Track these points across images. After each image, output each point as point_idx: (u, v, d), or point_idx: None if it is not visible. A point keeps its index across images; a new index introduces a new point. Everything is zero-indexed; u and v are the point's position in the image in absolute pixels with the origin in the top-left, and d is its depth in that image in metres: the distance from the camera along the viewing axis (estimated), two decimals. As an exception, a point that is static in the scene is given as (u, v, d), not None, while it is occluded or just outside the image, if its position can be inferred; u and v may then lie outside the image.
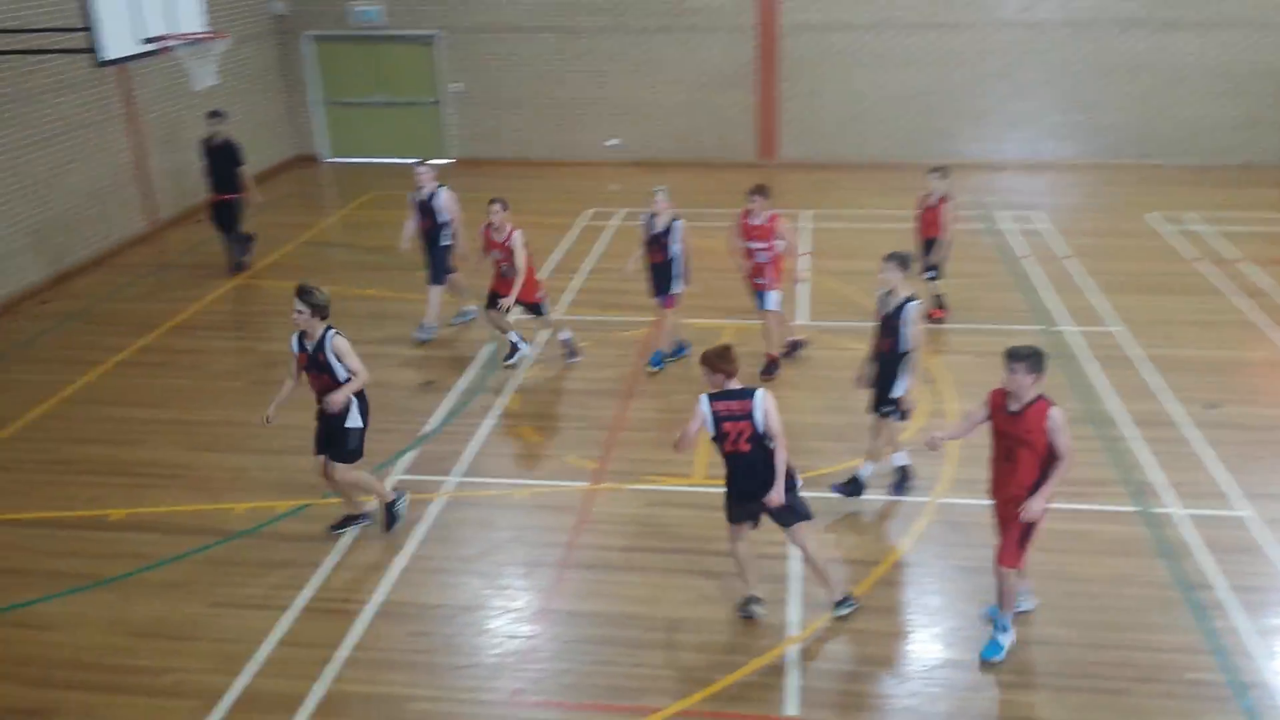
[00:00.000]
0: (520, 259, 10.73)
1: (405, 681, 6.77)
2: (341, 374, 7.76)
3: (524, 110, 20.05)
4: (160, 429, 10.19)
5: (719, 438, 6.84)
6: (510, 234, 10.80)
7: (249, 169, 14.09)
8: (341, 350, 7.75)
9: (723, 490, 7.14)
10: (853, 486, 8.76)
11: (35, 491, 9.09)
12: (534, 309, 11.25)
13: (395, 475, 9.20)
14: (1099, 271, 13.61)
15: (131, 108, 15.69)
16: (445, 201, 11.74)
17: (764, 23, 18.99)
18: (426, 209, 11.70)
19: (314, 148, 20.87)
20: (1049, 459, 6.47)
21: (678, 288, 10.95)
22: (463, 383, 10.95)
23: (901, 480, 8.83)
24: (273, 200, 18.09)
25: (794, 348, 11.40)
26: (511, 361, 11.20)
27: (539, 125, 20.11)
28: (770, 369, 10.91)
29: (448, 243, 11.85)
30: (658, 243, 10.83)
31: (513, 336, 11.27)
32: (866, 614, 7.33)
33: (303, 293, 7.69)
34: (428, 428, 10.06)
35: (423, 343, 11.87)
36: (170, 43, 11.64)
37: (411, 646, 7.10)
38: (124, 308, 13.25)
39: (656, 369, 11.11)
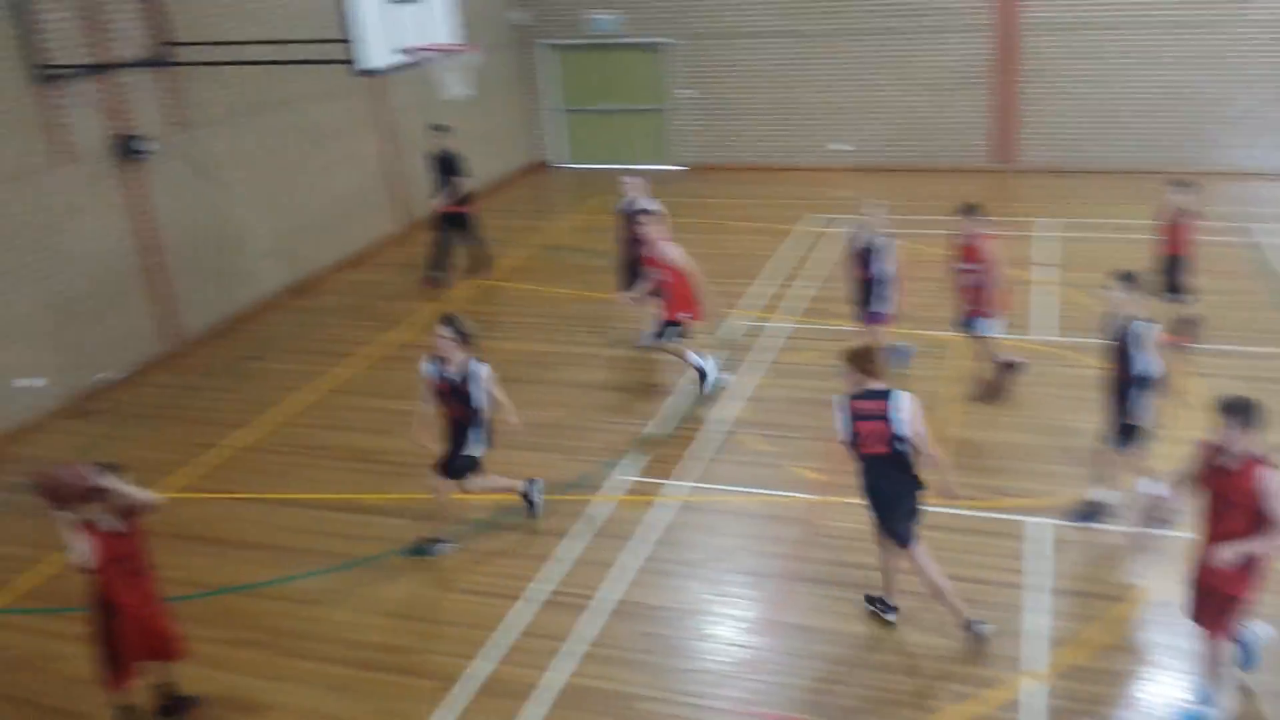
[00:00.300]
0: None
1: (634, 680, 6.94)
2: (479, 402, 7.96)
3: (751, 115, 20.12)
4: (406, 421, 10.72)
5: (853, 439, 6.72)
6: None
7: (467, 181, 14.39)
8: (488, 378, 7.97)
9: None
10: (1088, 513, 8.38)
11: (296, 474, 9.80)
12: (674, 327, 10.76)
13: (623, 477, 9.42)
14: (1376, 291, 12.49)
15: (383, 116, 16.66)
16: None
17: (1003, 20, 18.34)
18: (631, 220, 11.81)
19: (546, 154, 21.59)
20: (1264, 523, 5.77)
21: (881, 308, 10.63)
22: (694, 388, 11.09)
23: (1153, 511, 8.37)
24: (508, 205, 18.89)
25: (1007, 369, 10.77)
26: (708, 390, 10.87)
27: (765, 130, 20.13)
28: (995, 389, 10.52)
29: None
30: (863, 259, 10.58)
31: (692, 359, 10.87)
32: (1112, 653, 6.99)
33: (449, 321, 7.90)
34: (656, 431, 10.25)
35: (644, 348, 12.10)
36: (424, 54, 12.23)
37: (641, 646, 7.26)
38: (377, 304, 14.10)
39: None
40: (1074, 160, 18.75)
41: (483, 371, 7.97)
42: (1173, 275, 11.35)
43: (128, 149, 11.97)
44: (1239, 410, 5.85)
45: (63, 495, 5.94)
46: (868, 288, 10.59)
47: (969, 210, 10.33)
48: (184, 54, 12.64)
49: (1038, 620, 7.30)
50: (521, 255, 15.92)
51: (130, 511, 6.23)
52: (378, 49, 11.78)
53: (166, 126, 12.61)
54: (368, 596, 7.94)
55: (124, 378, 12.02)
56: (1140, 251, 11.99)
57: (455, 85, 13.06)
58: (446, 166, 14.23)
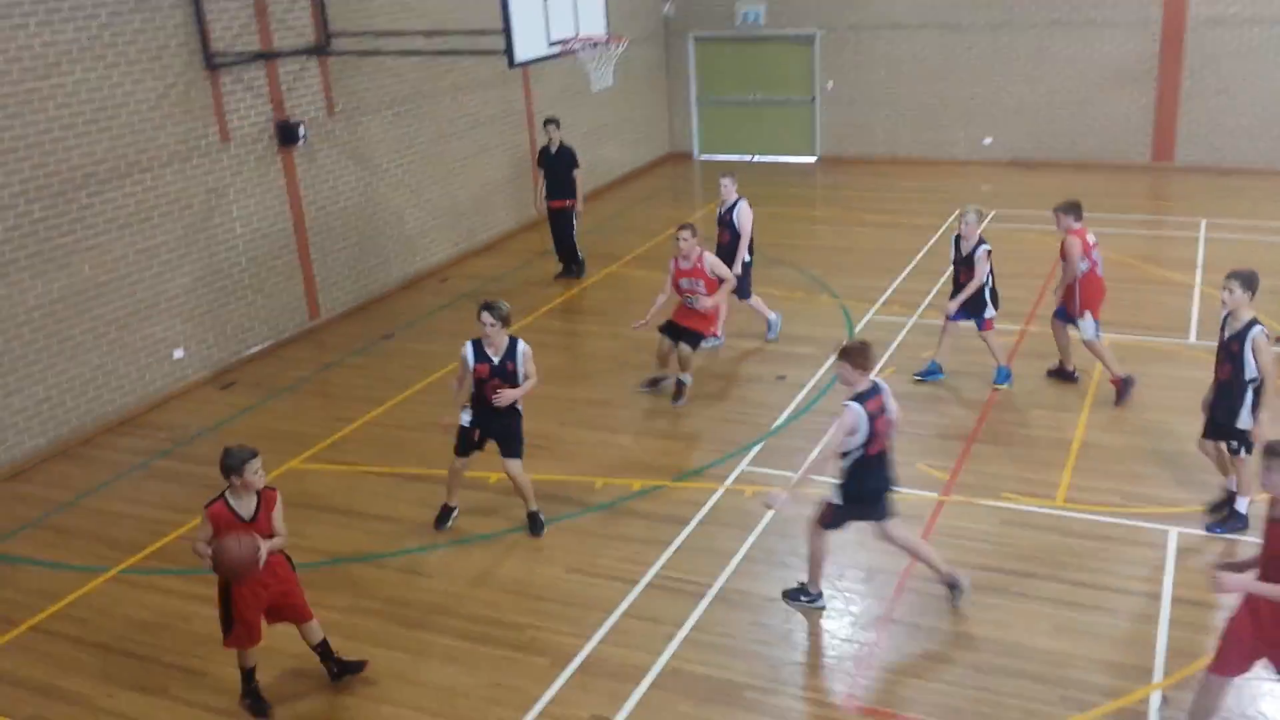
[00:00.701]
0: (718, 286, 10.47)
1: (740, 669, 6.89)
2: (521, 379, 8.19)
3: (899, 107, 19.73)
4: (535, 402, 10.87)
5: (870, 438, 6.79)
6: (700, 258, 10.44)
7: (582, 175, 14.42)
8: (529, 356, 8.18)
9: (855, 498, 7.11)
10: (1232, 521, 7.95)
11: (423, 450, 10.05)
12: (696, 338, 10.59)
13: (742, 467, 9.38)
14: None
15: (530, 106, 16.97)
16: (743, 216, 11.67)
17: (1170, 16, 17.51)
18: (725, 222, 11.72)
19: (688, 145, 21.62)
20: None
21: (985, 312, 10.39)
22: (813, 380, 10.96)
23: (1229, 519, 7.94)
24: (647, 194, 19.01)
25: (1124, 387, 10.11)
26: (681, 402, 10.67)
27: (913, 122, 19.71)
28: (1119, 394, 10.09)
29: (748, 259, 11.77)
30: (965, 264, 10.36)
31: (686, 378, 10.70)
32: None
33: (491, 307, 8.03)
34: (777, 422, 10.16)
35: (771, 341, 12.02)
36: (574, 45, 12.37)
37: (749, 635, 7.21)
38: (511, 289, 14.36)
39: (1003, 385, 10.57)
40: (1233, 159, 17.77)
41: (528, 350, 8.26)
42: None
43: (287, 134, 12.51)
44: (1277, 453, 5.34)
45: (237, 569, 6.22)
46: (973, 293, 10.32)
47: (1066, 208, 9.91)
48: (343, 44, 13.15)
49: (1170, 631, 6.96)
50: (649, 244, 15.98)
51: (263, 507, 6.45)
52: (531, 41, 11.98)
53: (324, 113, 13.14)
54: (486, 572, 8.10)
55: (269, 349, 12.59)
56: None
57: (602, 77, 13.20)
58: (565, 161, 14.16)
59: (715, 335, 11.15)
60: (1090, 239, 10.02)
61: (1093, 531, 8.13)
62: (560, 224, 14.47)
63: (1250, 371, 7.56)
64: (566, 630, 7.36)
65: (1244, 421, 7.68)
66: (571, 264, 14.70)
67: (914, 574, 7.75)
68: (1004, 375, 10.61)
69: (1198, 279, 13.12)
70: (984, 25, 18.73)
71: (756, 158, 20.96)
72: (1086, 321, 10.05)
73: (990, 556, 7.93)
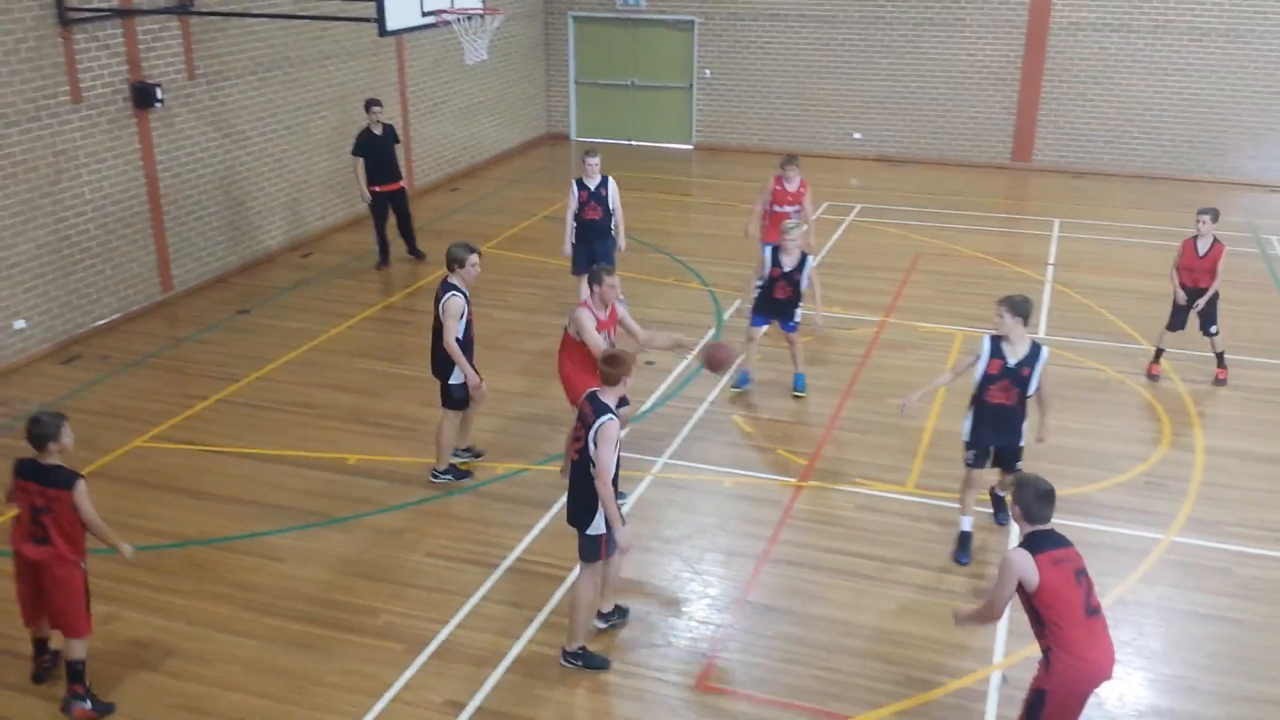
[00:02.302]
0: None
1: (600, 651, 6.90)
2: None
3: (773, 99, 19.97)
4: (399, 383, 10.78)
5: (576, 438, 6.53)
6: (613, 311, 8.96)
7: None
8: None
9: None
10: None
11: (282, 430, 9.80)
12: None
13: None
14: (1387, 310, 12.33)
15: (403, 78, 16.62)
16: (615, 192, 11.59)
17: (1035, 19, 18.14)
18: (600, 198, 11.53)
19: (565, 126, 21.51)
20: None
21: (797, 316, 10.24)
22: (681, 366, 11.05)
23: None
24: (521, 176, 18.84)
25: None
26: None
27: (786, 114, 19.98)
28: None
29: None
30: (789, 280, 10.08)
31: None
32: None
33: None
34: (643, 407, 10.21)
35: None
36: (449, 16, 12.16)
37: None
38: (381, 271, 14.04)
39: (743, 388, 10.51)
40: (1087, 161, 18.57)
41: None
42: (1202, 309, 10.59)
43: (144, 96, 11.97)
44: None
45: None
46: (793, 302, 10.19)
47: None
48: (207, 4, 12.64)
49: (1009, 613, 7.24)
50: (523, 224, 15.86)
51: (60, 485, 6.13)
52: (404, 9, 11.71)
53: (184, 76, 12.60)
54: (342, 556, 7.92)
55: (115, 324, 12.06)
56: (1141, 255, 11.89)
57: (477, 50, 13.01)
58: (390, 143, 13.71)
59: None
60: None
61: (940, 516, 8.40)
62: (400, 207, 13.97)
63: (1032, 389, 7.55)
64: (423, 615, 7.26)
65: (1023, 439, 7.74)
66: (415, 246, 14.30)
67: (771, 557, 7.89)
68: (743, 380, 10.40)
69: (1049, 275, 13.65)
70: (858, 20, 19.10)
71: (634, 142, 20.98)
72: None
73: (843, 540, 8.13)
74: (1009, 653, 6.90)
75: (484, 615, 7.26)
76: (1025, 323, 7.46)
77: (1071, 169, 18.58)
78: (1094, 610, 5.31)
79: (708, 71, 20.23)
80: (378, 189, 13.69)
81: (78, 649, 6.32)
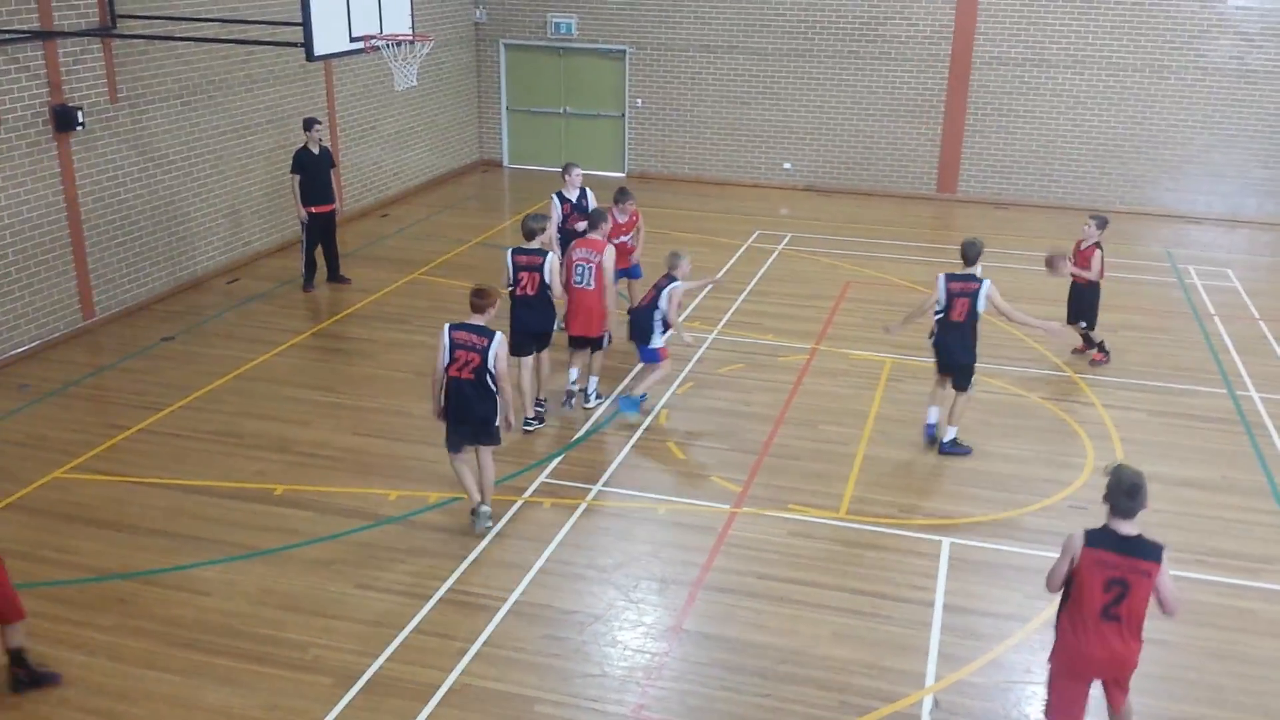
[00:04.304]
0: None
1: (533, 683, 6.84)
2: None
3: (704, 129, 20.16)
4: (328, 411, 10.63)
5: (450, 362, 7.99)
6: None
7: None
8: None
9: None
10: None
11: (207, 460, 9.59)
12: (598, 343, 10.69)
13: (542, 479, 9.34)
14: (1295, 337, 12.77)
15: (333, 103, 16.48)
16: (593, 202, 11.95)
17: (959, 53, 18.57)
18: (582, 209, 11.87)
19: (498, 153, 21.48)
20: None
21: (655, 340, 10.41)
22: (614, 391, 11.04)
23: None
24: (453, 202, 18.76)
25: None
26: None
27: (717, 144, 20.18)
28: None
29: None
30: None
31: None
32: (1002, 670, 7.04)
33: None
34: (578, 434, 10.18)
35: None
36: (377, 42, 12.11)
37: (542, 649, 7.17)
38: (303, 294, 13.87)
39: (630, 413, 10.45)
40: (1011, 193, 19.01)
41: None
42: (1080, 303, 11.82)
43: (65, 119, 11.71)
44: None
45: None
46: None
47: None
48: (132, 27, 12.43)
49: (941, 637, 7.32)
50: (456, 251, 15.78)
51: None
52: (332, 34, 11.65)
53: (107, 99, 12.36)
54: (269, 589, 7.75)
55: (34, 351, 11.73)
56: (1060, 285, 12.18)
57: (406, 76, 12.96)
58: (326, 164, 13.66)
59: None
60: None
61: (872, 541, 8.48)
62: (330, 229, 13.91)
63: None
64: (352, 648, 7.13)
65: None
66: (339, 271, 14.18)
67: (705, 584, 7.89)
68: (633, 404, 10.35)
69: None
70: (787, 52, 19.38)
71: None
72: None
73: (776, 566, 8.17)
74: (940, 677, 6.97)
75: (415, 648, 7.15)
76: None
77: (995, 200, 19.01)
78: (1112, 617, 5.55)
79: (639, 101, 20.37)
80: (312, 209, 13.55)
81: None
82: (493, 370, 8.01)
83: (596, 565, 8.16)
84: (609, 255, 10.33)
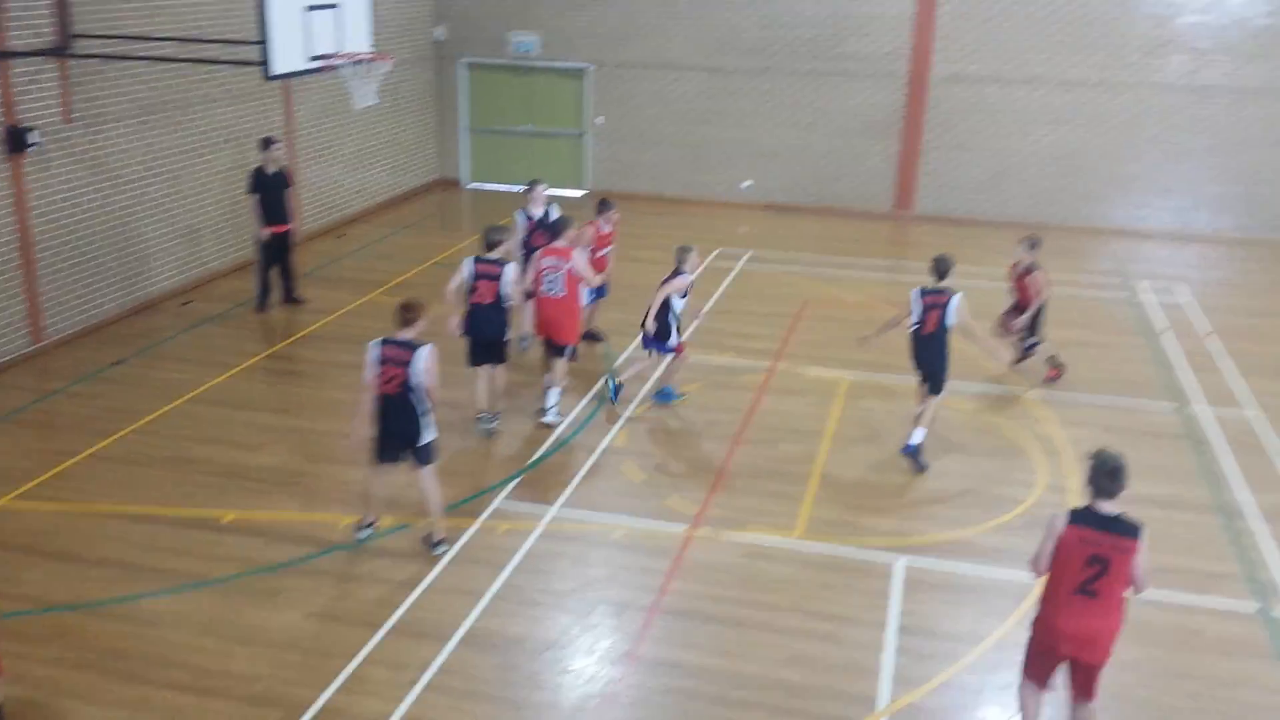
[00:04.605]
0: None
1: (486, 714, 6.78)
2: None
3: (665, 146, 20.22)
4: (281, 436, 10.53)
5: (377, 376, 8.04)
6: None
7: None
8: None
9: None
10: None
11: (156, 487, 9.46)
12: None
13: (497, 502, 9.29)
14: (1241, 352, 12.94)
15: (291, 122, 16.38)
16: None
17: (916, 72, 18.74)
18: (546, 226, 11.86)
19: (457, 172, 21.43)
20: None
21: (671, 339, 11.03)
22: (572, 413, 11.01)
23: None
24: (414, 221, 18.68)
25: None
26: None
27: (677, 162, 20.24)
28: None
29: None
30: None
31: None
32: (955, 692, 7.06)
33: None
34: (532, 455, 10.14)
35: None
36: (336, 61, 12.04)
37: (496, 678, 7.11)
38: (258, 315, 13.74)
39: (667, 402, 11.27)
40: (966, 210, 19.18)
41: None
42: (1018, 322, 12.01)
43: (17, 140, 11.57)
44: None
45: None
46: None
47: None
48: (87, 46, 12.30)
49: (895, 660, 7.33)
50: (414, 270, 15.71)
51: None
52: (291, 54, 11.57)
53: (61, 119, 12.22)
54: (218, 619, 7.64)
55: None
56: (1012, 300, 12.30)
57: (366, 95, 12.91)
58: (282, 184, 13.53)
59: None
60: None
61: (828, 562, 8.50)
62: (286, 250, 13.82)
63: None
64: (302, 680, 7.03)
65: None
66: (294, 292, 14.10)
67: (662, 608, 7.87)
68: (668, 396, 11.22)
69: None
70: (748, 70, 19.48)
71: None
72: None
73: (733, 588, 8.15)
74: (892, 699, 6.98)
75: (366, 679, 7.07)
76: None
77: (951, 217, 19.16)
78: (1088, 592, 5.85)
79: (600, 119, 20.39)
80: (268, 230, 13.47)
81: None
82: (419, 384, 8.00)
83: (552, 590, 8.11)
84: (579, 259, 10.66)
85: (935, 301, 9.87)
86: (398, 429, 8.16)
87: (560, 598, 8.02)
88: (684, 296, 10.89)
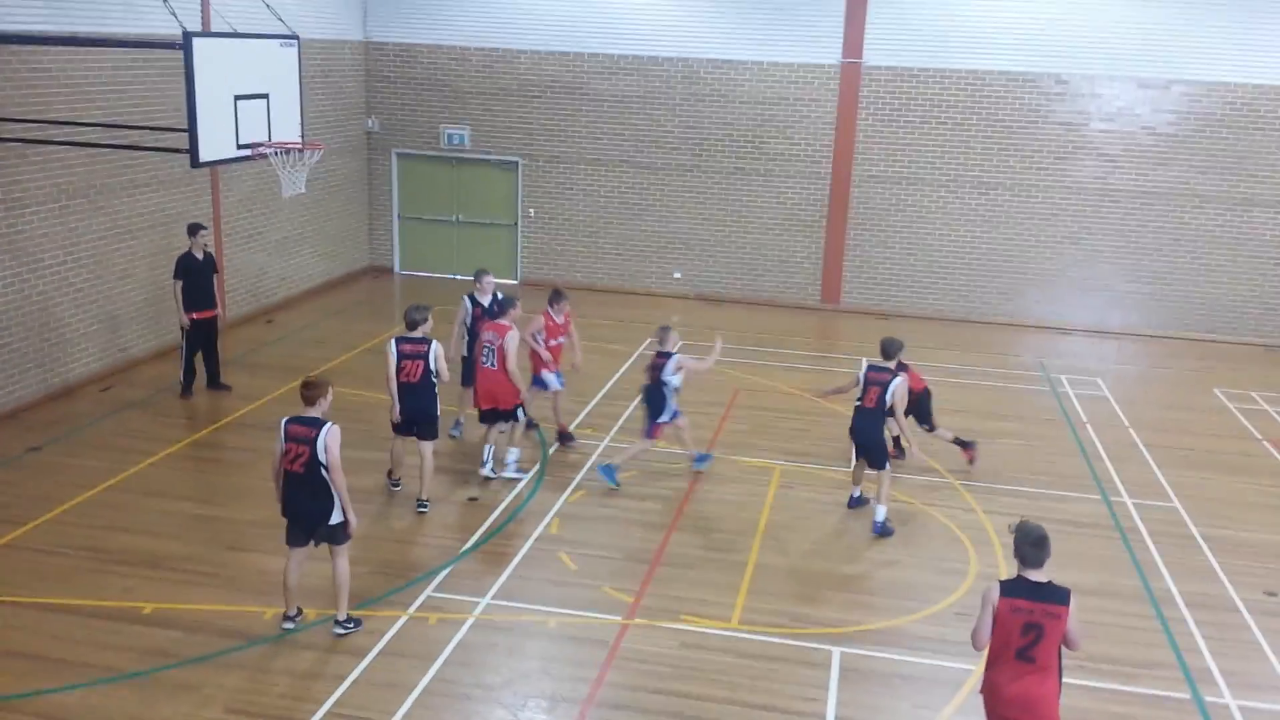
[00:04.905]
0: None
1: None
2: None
3: (594, 238, 20.44)
4: (202, 525, 10.22)
5: (283, 455, 8.01)
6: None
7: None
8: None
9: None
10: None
11: (72, 578, 9.09)
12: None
13: (427, 593, 9.09)
14: (1160, 445, 13.31)
15: (218, 208, 16.24)
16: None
17: (838, 171, 19.29)
18: (493, 314, 11.83)
19: (389, 259, 21.40)
20: None
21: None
22: (504, 501, 10.89)
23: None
24: (343, 308, 18.54)
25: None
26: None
27: (608, 253, 20.46)
28: None
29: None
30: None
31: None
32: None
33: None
34: (465, 545, 9.97)
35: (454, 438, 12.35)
36: (265, 149, 12.01)
37: (424, 774, 6.89)
38: (181, 401, 13.44)
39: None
40: (892, 304, 19.64)
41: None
42: (918, 411, 11.95)
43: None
44: None
45: None
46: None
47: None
48: (10, 130, 12.11)
49: (832, 754, 7.26)
50: (343, 357, 15.54)
51: None
52: (219, 141, 11.50)
53: (-28, 201, 11.99)
54: (135, 716, 7.31)
55: (-110, 464, 11.06)
56: (940, 394, 12.53)
57: (295, 183, 12.88)
58: (210, 269, 13.46)
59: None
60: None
61: (764, 652, 8.43)
62: (212, 336, 13.62)
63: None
64: (222, 777, 6.73)
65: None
66: (219, 378, 13.88)
67: (597, 701, 7.71)
68: (610, 472, 11.36)
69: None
70: (675, 167, 19.89)
71: (458, 276, 21.00)
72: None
73: (669, 680, 8.03)
74: (833, 791, 6.89)
75: (291, 776, 6.80)
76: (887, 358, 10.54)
77: (877, 310, 19.58)
78: (1027, 658, 6.08)
79: (531, 210, 20.59)
80: (194, 315, 13.24)
81: None
82: (323, 461, 7.91)
83: (484, 684, 7.91)
84: (511, 338, 10.95)
85: (878, 379, 10.45)
86: (305, 509, 8.09)
87: (492, 691, 7.83)
88: (677, 372, 11.26)
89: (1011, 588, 6.16)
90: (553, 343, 12.22)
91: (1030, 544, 6.15)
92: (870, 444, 10.53)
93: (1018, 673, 6.10)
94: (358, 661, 8.03)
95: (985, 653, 6.29)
